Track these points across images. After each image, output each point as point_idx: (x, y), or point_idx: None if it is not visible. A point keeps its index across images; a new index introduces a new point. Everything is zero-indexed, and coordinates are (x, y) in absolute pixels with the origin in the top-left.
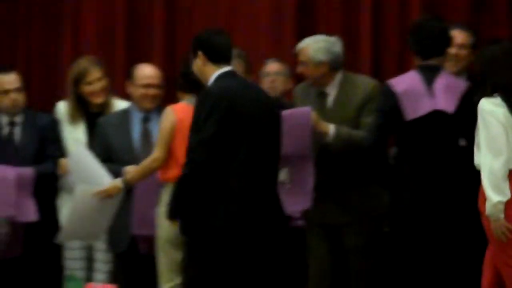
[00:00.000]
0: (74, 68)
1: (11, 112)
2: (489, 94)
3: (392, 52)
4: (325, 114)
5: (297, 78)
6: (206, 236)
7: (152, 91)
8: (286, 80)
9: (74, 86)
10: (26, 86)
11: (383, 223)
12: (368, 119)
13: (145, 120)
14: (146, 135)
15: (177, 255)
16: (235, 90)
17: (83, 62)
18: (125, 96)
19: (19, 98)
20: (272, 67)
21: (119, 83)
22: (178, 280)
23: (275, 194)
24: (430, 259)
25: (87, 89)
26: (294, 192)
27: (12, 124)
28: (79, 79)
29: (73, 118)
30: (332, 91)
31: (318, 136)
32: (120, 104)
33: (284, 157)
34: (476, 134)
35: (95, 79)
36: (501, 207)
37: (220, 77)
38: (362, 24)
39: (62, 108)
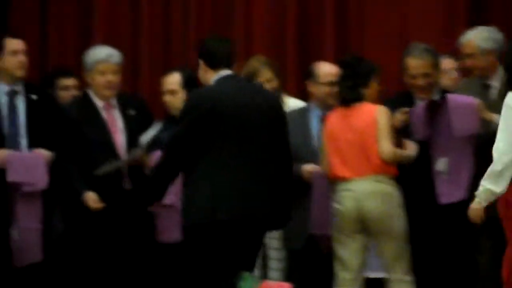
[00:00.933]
0: (245, 68)
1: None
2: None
3: None
4: (489, 106)
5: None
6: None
7: (335, 89)
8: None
9: None
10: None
11: None
12: None
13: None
14: None
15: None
16: (222, 92)
17: (254, 63)
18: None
19: (171, 100)
20: (446, 64)
21: (290, 82)
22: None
23: (267, 193)
24: None
25: None
26: (451, 182)
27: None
28: (249, 80)
29: None
30: (495, 83)
31: (484, 125)
32: (291, 103)
33: (445, 145)
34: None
35: (265, 80)
36: (492, 197)
37: (217, 81)
38: None
39: None
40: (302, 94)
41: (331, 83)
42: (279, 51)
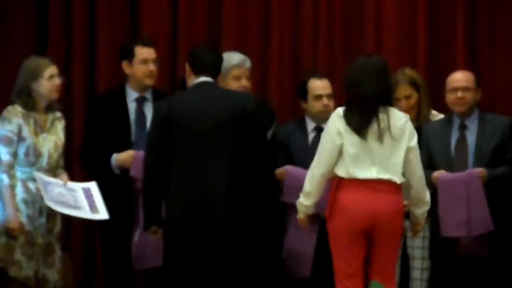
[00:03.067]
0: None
1: (319, 117)
2: (350, 105)
3: None
4: None
5: None
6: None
7: (460, 95)
8: None
9: None
10: None
11: None
12: None
13: (461, 127)
14: (462, 143)
15: None
16: (183, 99)
17: (395, 77)
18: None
19: (330, 105)
20: None
21: None
22: None
23: (220, 199)
24: None
25: (396, 104)
26: None
27: (318, 129)
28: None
29: None
30: None
31: None
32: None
33: None
34: None
35: (402, 97)
36: (306, 209)
37: (191, 87)
38: None
39: None
40: (435, 106)
41: (454, 89)
42: (409, 60)
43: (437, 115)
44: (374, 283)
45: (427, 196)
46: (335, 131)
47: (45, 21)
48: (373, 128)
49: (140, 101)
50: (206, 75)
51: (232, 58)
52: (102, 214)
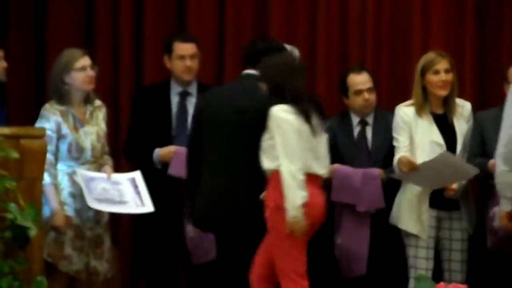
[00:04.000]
0: (422, 59)
1: (363, 112)
2: (287, 101)
3: None
4: None
5: None
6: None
7: None
8: None
9: (421, 77)
10: (375, 85)
11: None
12: None
13: None
14: None
15: None
16: (215, 94)
17: (431, 54)
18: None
19: (372, 98)
20: None
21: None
22: None
23: (230, 194)
24: None
25: (433, 78)
26: None
27: (363, 123)
28: (426, 69)
29: (420, 112)
30: None
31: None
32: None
33: None
34: (263, 139)
35: (442, 70)
36: (302, 210)
37: (233, 80)
38: None
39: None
40: (480, 100)
41: None
42: (457, 60)
43: (462, 104)
44: (421, 276)
45: None
46: (296, 125)
47: (92, 14)
48: (313, 124)
49: (183, 95)
50: (247, 68)
51: None
52: (148, 206)
